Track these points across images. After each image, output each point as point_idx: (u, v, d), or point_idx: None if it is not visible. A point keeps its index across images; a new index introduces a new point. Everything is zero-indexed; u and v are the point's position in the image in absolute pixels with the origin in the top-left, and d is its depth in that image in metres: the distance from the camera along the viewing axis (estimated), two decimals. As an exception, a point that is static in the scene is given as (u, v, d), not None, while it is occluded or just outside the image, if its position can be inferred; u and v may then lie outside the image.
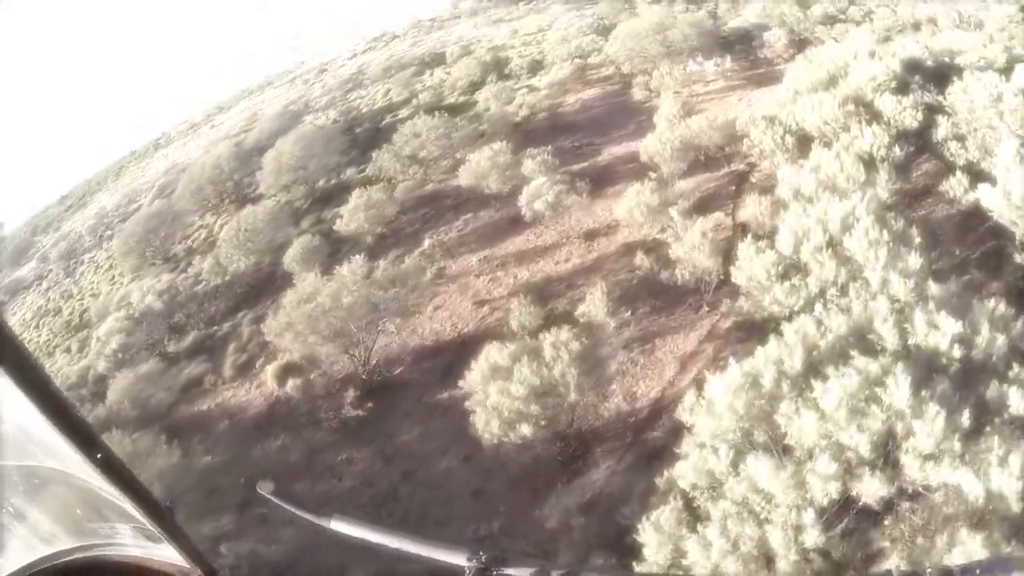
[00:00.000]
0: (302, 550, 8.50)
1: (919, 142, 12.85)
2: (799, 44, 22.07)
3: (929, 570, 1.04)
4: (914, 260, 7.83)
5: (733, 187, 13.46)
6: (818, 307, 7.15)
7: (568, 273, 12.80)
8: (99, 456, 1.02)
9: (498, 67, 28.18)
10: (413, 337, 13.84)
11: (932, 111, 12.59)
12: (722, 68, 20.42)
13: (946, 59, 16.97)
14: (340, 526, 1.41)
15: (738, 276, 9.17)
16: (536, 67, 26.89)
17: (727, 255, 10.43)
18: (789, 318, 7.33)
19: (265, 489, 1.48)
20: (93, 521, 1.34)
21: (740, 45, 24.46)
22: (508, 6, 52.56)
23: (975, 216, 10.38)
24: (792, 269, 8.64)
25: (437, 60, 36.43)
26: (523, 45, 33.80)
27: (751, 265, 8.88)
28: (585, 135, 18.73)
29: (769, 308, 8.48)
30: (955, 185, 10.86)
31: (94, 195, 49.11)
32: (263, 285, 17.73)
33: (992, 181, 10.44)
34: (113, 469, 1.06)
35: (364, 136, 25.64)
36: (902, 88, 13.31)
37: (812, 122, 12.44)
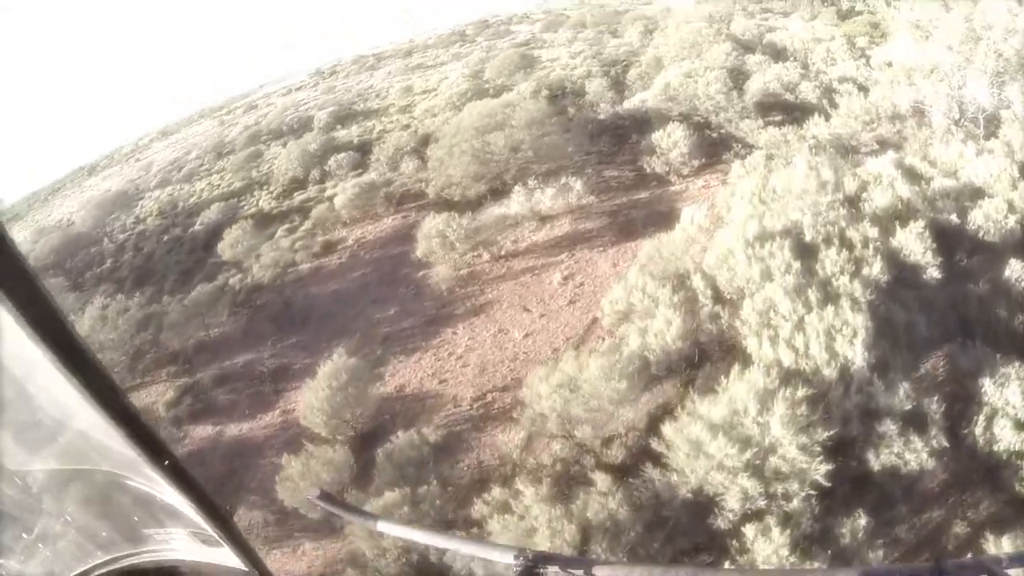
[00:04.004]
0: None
1: None
2: (712, 149, 13.85)
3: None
4: None
5: None
6: None
7: None
8: (166, 463, 1.00)
9: (323, 159, 20.61)
10: None
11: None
12: (570, 199, 12.35)
13: (953, 218, 8.73)
14: (386, 527, 1.41)
15: None
16: (359, 163, 19.22)
17: None
18: None
19: (311, 495, 1.49)
20: (149, 527, 1.30)
21: (637, 135, 16.38)
22: (442, 48, 45.76)
23: None
24: None
25: (303, 126, 29.29)
26: (398, 112, 26.30)
27: None
28: (305, 337, 10.92)
29: None
30: None
31: (15, 224, 43.58)
32: None
33: None
34: (179, 475, 1.04)
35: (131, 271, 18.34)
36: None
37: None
